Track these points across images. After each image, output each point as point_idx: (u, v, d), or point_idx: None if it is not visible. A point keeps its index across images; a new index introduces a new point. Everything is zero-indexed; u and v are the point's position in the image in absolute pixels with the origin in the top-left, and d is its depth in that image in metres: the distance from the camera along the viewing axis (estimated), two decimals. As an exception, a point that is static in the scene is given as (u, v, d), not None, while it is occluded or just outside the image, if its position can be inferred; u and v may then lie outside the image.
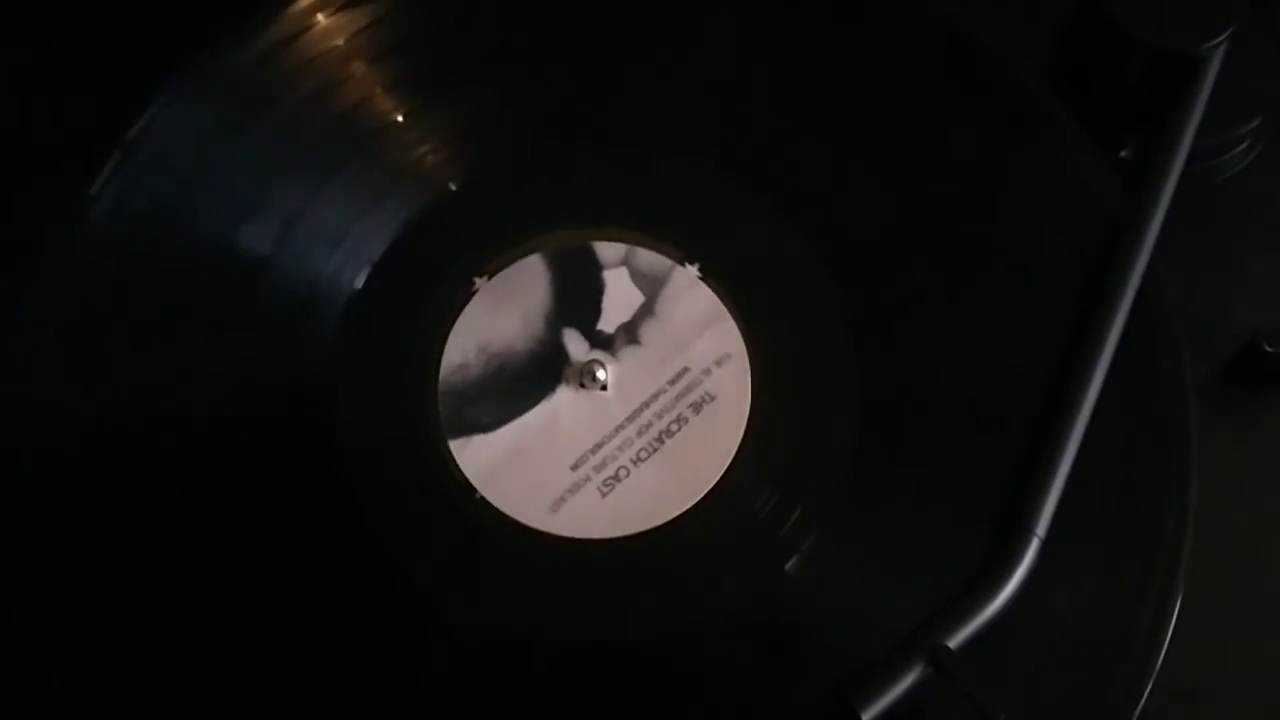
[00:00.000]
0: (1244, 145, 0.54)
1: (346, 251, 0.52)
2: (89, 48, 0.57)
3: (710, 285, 0.52)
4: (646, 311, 0.51)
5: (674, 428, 0.50)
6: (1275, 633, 0.49)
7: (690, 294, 0.51)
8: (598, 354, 0.51)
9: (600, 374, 0.50)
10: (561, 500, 0.48)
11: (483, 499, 0.48)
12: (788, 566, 0.47)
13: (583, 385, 0.50)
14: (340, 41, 0.55)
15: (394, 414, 0.50)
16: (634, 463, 0.49)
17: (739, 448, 0.49)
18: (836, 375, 0.50)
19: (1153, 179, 0.51)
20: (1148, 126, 0.52)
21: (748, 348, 0.51)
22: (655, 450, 0.49)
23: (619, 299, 0.52)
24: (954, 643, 0.44)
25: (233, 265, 0.51)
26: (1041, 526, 0.46)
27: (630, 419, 0.50)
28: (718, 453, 0.49)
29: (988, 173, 0.53)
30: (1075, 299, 0.50)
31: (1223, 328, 0.52)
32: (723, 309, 0.51)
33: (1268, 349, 0.50)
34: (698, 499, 0.48)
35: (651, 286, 0.52)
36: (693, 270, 0.52)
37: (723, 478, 0.49)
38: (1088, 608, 0.47)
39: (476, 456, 0.49)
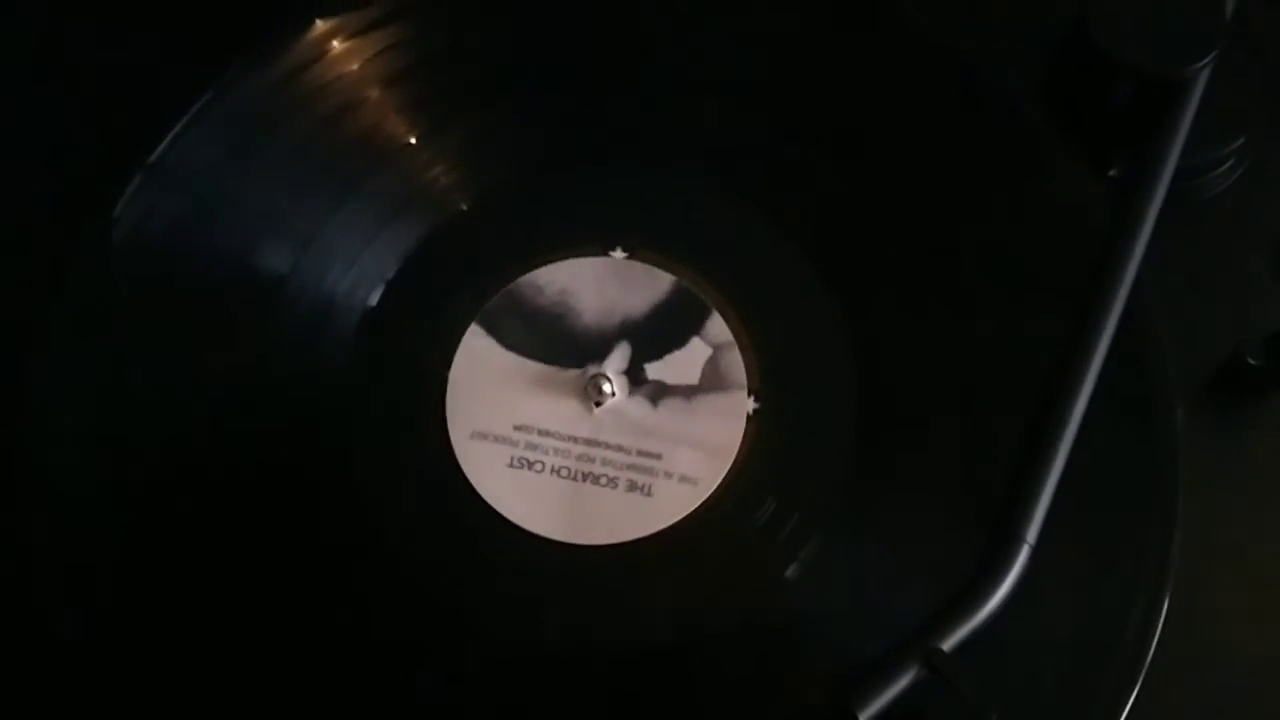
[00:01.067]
0: (1229, 164, 0.55)
1: (361, 270, 0.53)
2: (113, 72, 0.58)
3: (750, 428, 0.51)
4: (687, 394, 0.52)
5: (601, 481, 0.50)
6: (1261, 638, 0.49)
7: (728, 418, 0.51)
8: (621, 380, 0.52)
9: (605, 389, 0.51)
10: (481, 437, 0.50)
11: (445, 380, 0.51)
12: (787, 573, 0.48)
13: (586, 389, 0.51)
14: (355, 66, 0.56)
15: (405, 423, 0.51)
16: (551, 470, 0.50)
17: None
18: (836, 390, 0.51)
19: (1140, 197, 0.52)
20: (1136, 146, 0.53)
21: (715, 490, 0.50)
22: (571, 479, 0.50)
23: (681, 366, 0.52)
24: (948, 646, 0.45)
25: (251, 283, 0.52)
26: (1032, 534, 0.47)
27: (584, 442, 0.51)
28: (605, 527, 0.49)
29: (983, 192, 0.54)
30: (1066, 313, 0.51)
31: (1208, 341, 0.53)
32: (734, 450, 0.51)
33: (1251, 362, 0.51)
34: (550, 535, 0.49)
35: (711, 383, 0.52)
36: (750, 405, 0.51)
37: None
38: (1077, 613, 0.47)
39: (475, 351, 0.52)
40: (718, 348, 0.52)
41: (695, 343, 0.52)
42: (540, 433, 0.51)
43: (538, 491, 0.50)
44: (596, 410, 0.51)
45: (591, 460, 0.50)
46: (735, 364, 0.52)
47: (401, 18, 0.57)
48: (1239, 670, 0.49)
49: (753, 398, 0.51)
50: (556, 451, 0.50)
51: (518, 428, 0.51)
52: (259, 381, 0.51)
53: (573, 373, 0.52)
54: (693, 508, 0.50)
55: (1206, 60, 0.52)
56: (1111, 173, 0.55)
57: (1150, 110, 0.53)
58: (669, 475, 0.50)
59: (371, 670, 0.47)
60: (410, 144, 0.55)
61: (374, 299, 0.53)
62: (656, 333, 0.53)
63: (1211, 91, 0.54)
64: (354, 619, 0.48)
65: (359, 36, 0.57)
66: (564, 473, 0.50)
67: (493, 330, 0.52)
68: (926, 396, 0.51)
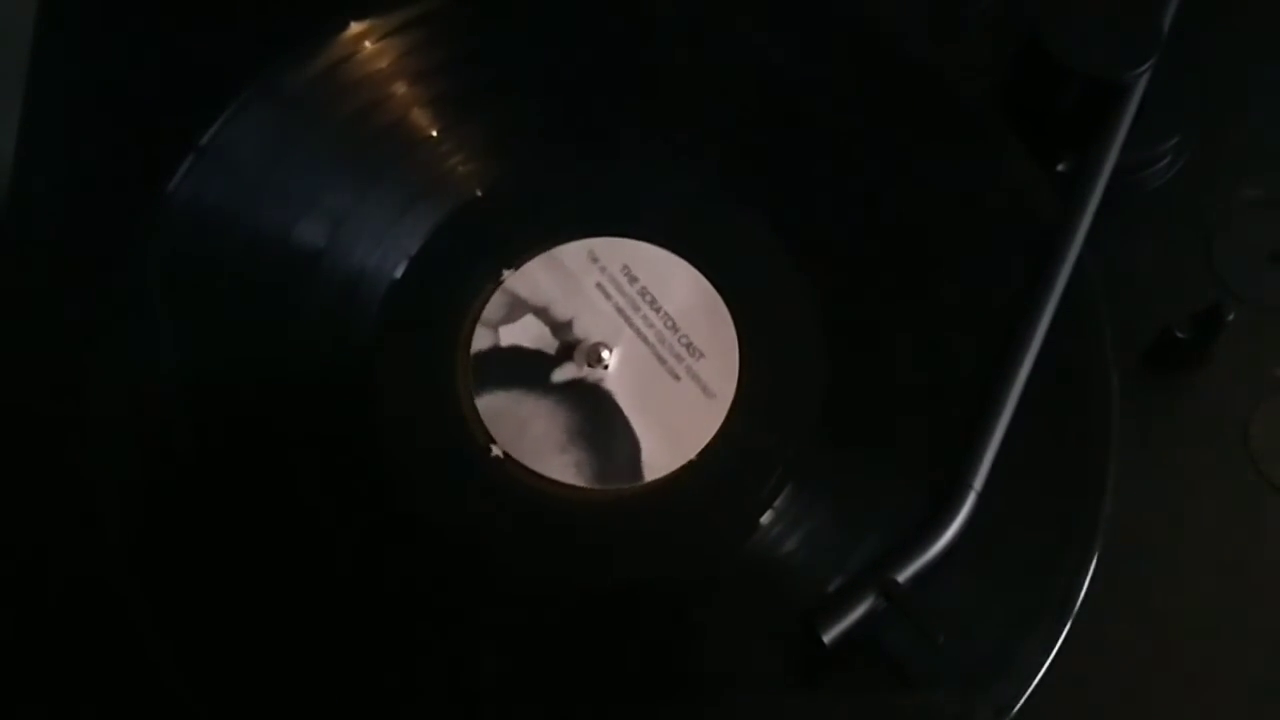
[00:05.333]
0: (1166, 160, 0.58)
1: (388, 246, 0.56)
2: (169, 66, 0.60)
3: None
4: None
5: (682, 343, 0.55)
6: (1182, 584, 0.52)
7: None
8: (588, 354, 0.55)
9: (603, 355, 0.54)
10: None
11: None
12: (763, 519, 0.52)
13: (588, 359, 0.55)
14: (384, 65, 0.58)
15: (425, 382, 0.54)
16: (693, 355, 0.55)
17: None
18: (809, 358, 0.55)
19: (1083, 187, 0.55)
20: (1082, 144, 0.56)
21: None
22: (689, 353, 0.55)
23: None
24: (902, 577, 0.48)
25: (291, 256, 0.55)
26: (979, 482, 0.50)
27: (656, 344, 0.55)
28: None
29: (944, 183, 0.57)
30: (1015, 291, 0.53)
31: (1143, 317, 0.55)
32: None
33: (1179, 336, 0.54)
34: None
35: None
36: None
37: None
38: (1018, 556, 0.51)
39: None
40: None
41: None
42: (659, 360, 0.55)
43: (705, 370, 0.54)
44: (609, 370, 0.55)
45: (665, 342, 0.55)
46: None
47: (426, 22, 0.59)
48: (1160, 613, 0.52)
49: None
50: (674, 357, 0.55)
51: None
52: (297, 342, 0.54)
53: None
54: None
55: (1145, 67, 0.55)
56: (1061, 167, 0.58)
57: (1095, 111, 0.56)
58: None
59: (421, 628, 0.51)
60: (432, 136, 0.58)
61: (399, 272, 0.56)
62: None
63: (1150, 95, 0.56)
64: (386, 577, 0.51)
65: (388, 38, 0.59)
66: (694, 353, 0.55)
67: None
68: (890, 361, 0.54)
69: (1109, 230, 0.56)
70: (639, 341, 0.55)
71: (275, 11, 0.60)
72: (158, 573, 0.51)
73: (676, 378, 0.55)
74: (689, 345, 0.55)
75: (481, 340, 0.56)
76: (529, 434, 0.54)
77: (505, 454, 0.53)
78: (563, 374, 0.55)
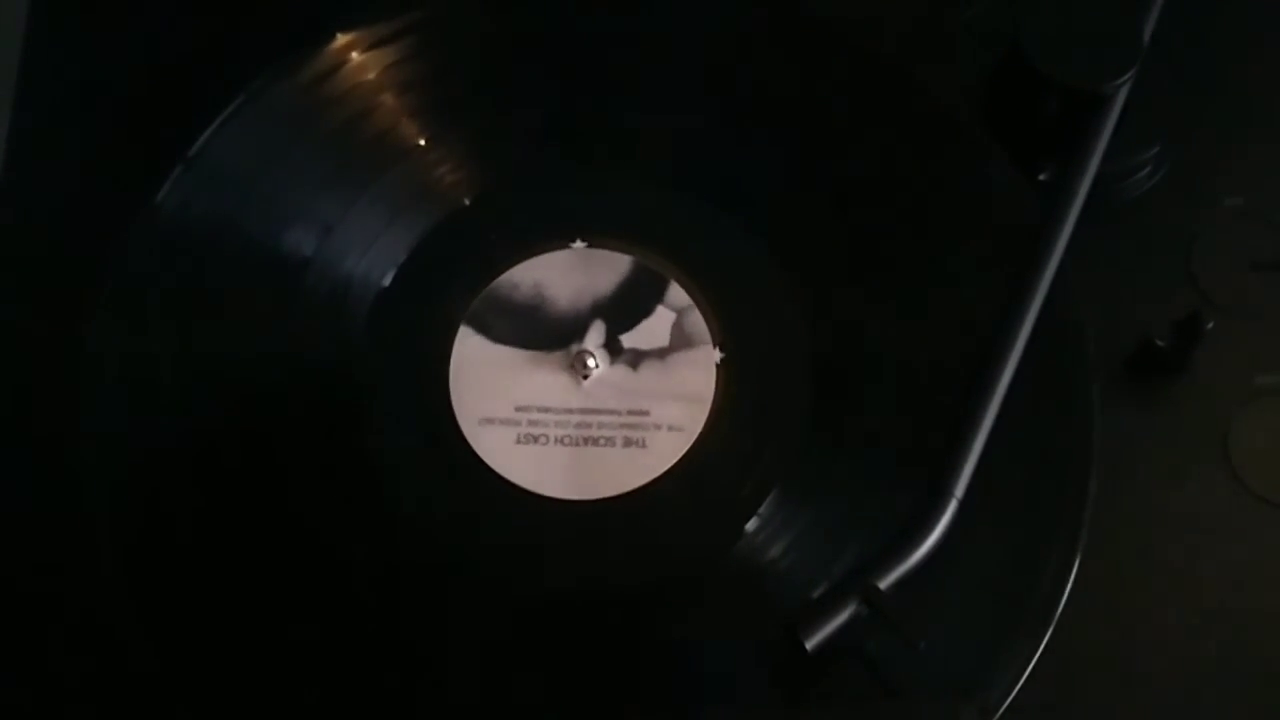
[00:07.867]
0: (1147, 170, 0.58)
1: (376, 255, 0.56)
2: (156, 76, 0.60)
3: (718, 375, 0.55)
4: (660, 355, 0.56)
5: (601, 443, 0.54)
6: (1161, 585, 0.52)
7: (700, 369, 0.55)
8: (602, 353, 0.55)
9: (590, 364, 0.55)
10: (489, 421, 0.54)
11: (448, 355, 0.55)
12: (748, 526, 0.52)
13: (572, 365, 0.55)
14: (372, 75, 0.59)
15: (414, 390, 0.54)
16: (555, 441, 0.54)
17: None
18: (794, 365, 0.55)
19: (1064, 196, 0.55)
20: (1063, 154, 0.56)
21: (702, 432, 0.54)
22: (575, 445, 0.54)
23: (652, 331, 0.56)
24: (884, 584, 0.49)
25: (280, 264, 0.55)
26: (960, 489, 0.51)
27: (580, 412, 0.55)
28: (613, 481, 0.53)
29: (929, 193, 0.58)
30: (996, 299, 0.54)
31: (1125, 325, 0.55)
32: (709, 397, 0.55)
33: (1159, 344, 0.54)
34: (572, 497, 0.53)
35: (679, 342, 0.56)
36: (716, 355, 0.56)
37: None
38: (1000, 562, 0.51)
39: (468, 348, 0.55)
40: (680, 311, 0.56)
41: (661, 309, 0.56)
42: (540, 410, 0.54)
43: (545, 460, 0.53)
44: (585, 383, 0.55)
45: (589, 426, 0.54)
46: (698, 323, 0.56)
47: (413, 32, 0.60)
48: (1142, 618, 0.52)
49: (718, 349, 0.56)
50: (556, 424, 0.54)
51: (518, 409, 0.54)
52: (286, 350, 0.54)
53: (557, 354, 0.55)
54: (684, 451, 0.53)
55: (1126, 77, 0.55)
56: (1042, 176, 0.58)
57: (1076, 121, 0.56)
58: (658, 427, 0.54)
59: (398, 632, 0.51)
60: (420, 145, 0.58)
61: (387, 280, 0.56)
62: (625, 307, 0.56)
63: (1131, 105, 0.57)
64: (369, 577, 0.52)
65: (375, 49, 0.59)
66: (565, 441, 0.54)
67: (481, 329, 0.55)
68: (875, 369, 0.55)
69: (1090, 239, 0.56)
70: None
71: (263, 22, 0.61)
72: (146, 573, 0.51)
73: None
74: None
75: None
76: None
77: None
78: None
